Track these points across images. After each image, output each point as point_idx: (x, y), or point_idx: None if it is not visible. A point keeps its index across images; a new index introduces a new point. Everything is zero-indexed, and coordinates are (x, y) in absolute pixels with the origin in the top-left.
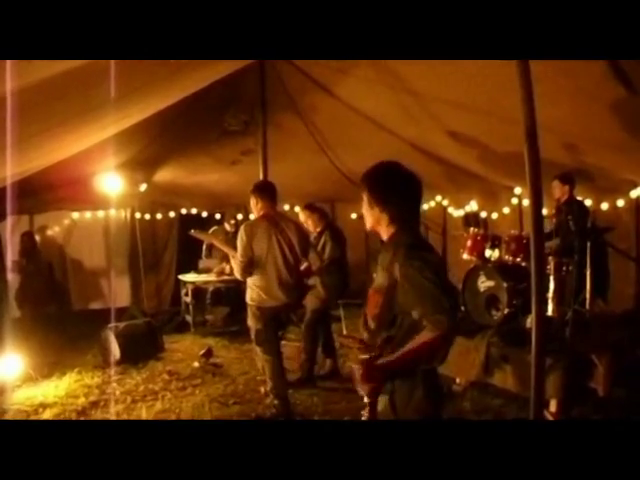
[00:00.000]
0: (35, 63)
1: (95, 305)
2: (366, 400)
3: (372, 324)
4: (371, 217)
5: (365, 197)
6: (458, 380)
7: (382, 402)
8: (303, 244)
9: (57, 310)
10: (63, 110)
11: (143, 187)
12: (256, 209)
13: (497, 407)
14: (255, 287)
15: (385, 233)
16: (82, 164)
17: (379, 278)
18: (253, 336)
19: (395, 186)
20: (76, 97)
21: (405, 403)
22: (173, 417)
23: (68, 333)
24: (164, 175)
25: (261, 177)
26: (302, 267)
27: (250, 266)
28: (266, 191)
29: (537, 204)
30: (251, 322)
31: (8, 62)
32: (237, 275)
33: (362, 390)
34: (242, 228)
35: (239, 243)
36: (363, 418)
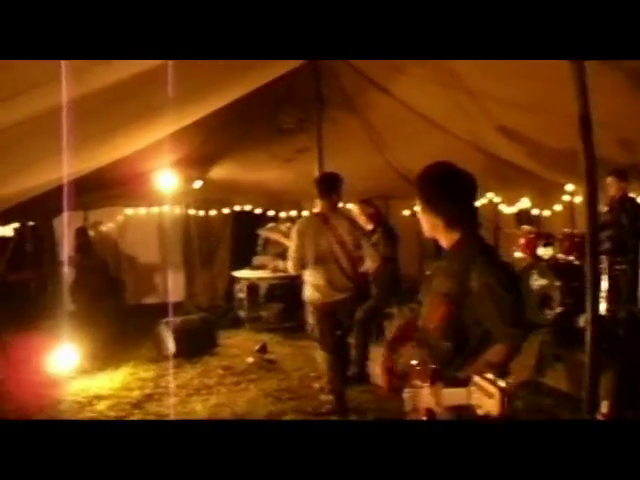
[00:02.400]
0: (98, 68)
1: (149, 300)
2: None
3: (433, 336)
4: (426, 223)
5: (419, 201)
6: (510, 379)
7: None
8: (357, 241)
9: (111, 305)
10: (124, 112)
11: (198, 184)
12: (316, 202)
13: (549, 407)
14: (308, 284)
15: (446, 239)
16: (138, 161)
17: (441, 287)
18: (310, 331)
19: (446, 188)
20: (136, 99)
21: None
22: (228, 411)
23: (122, 327)
24: (219, 172)
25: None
26: (362, 269)
27: (301, 264)
28: (324, 189)
29: (592, 202)
30: (309, 317)
31: (72, 67)
32: (289, 270)
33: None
34: (295, 226)
35: (291, 240)
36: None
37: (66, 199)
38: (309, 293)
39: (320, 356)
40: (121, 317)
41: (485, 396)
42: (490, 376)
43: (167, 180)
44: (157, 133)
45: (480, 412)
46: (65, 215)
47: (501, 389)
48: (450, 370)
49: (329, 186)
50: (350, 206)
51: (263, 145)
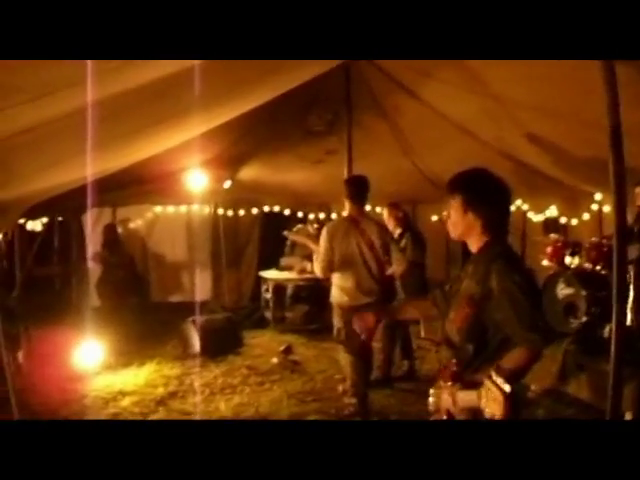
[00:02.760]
0: (130, 68)
1: (175, 298)
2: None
3: (456, 337)
4: (463, 224)
5: (457, 202)
6: (533, 387)
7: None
8: (385, 245)
9: (137, 301)
10: (155, 112)
11: (227, 184)
12: (344, 204)
13: (570, 416)
14: (336, 287)
15: (476, 242)
16: (169, 160)
17: (467, 289)
18: (335, 334)
19: (490, 191)
20: (168, 100)
21: None
22: (252, 411)
23: (147, 324)
24: (248, 172)
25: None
26: (388, 272)
27: (330, 267)
28: (354, 193)
29: (621, 211)
30: (334, 320)
31: (103, 67)
32: (318, 274)
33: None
34: (325, 229)
35: (321, 243)
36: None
37: (93, 196)
38: (337, 296)
39: (344, 359)
40: (146, 314)
41: (491, 399)
42: (498, 379)
43: (197, 179)
44: (187, 134)
45: (487, 414)
46: (90, 212)
47: (504, 393)
48: (469, 372)
49: (359, 189)
50: (379, 210)
51: (292, 146)
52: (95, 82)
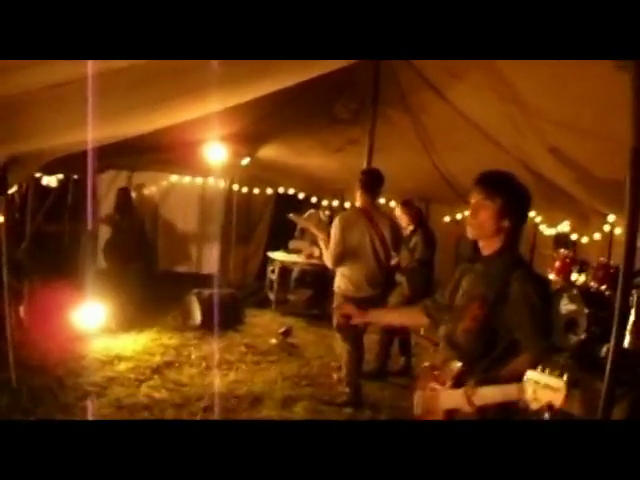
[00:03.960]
0: None
1: (180, 268)
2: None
3: (462, 337)
4: (494, 227)
5: (496, 205)
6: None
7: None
8: (395, 240)
9: (143, 267)
10: (177, 84)
11: (246, 161)
12: (357, 197)
13: None
14: (343, 277)
15: (492, 245)
16: (190, 130)
17: (477, 290)
18: (335, 323)
19: (526, 198)
20: (192, 73)
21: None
22: (245, 389)
23: (151, 291)
24: (267, 152)
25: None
26: (393, 262)
27: (341, 257)
28: (370, 185)
29: (631, 234)
30: (334, 308)
31: None
32: (328, 264)
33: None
34: (337, 219)
35: (332, 234)
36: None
37: (111, 158)
38: (342, 285)
39: (341, 347)
40: (151, 281)
41: (548, 390)
42: (547, 372)
43: (216, 153)
44: (208, 108)
45: (535, 405)
46: (107, 173)
47: (566, 383)
48: (477, 372)
49: (375, 182)
50: (392, 204)
51: (315, 132)
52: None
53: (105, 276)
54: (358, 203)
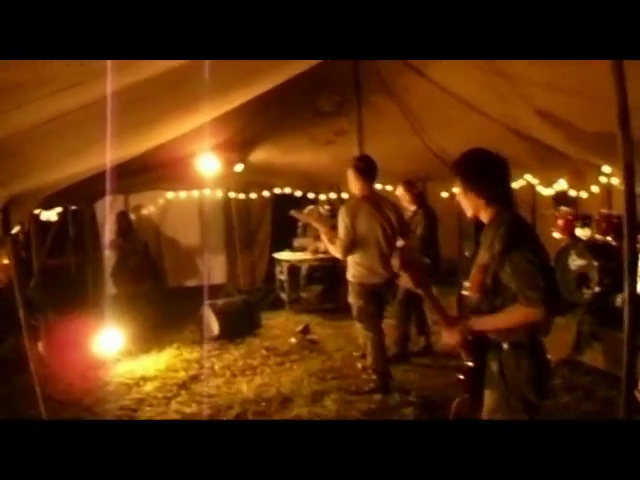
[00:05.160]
0: (138, 64)
1: (190, 282)
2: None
3: (474, 297)
4: (469, 204)
5: (459, 185)
6: (549, 357)
7: (492, 368)
8: (401, 222)
9: (153, 287)
10: (167, 101)
11: (239, 167)
12: (355, 186)
13: (587, 384)
14: (357, 265)
15: (486, 215)
16: (179, 146)
17: (481, 257)
18: (355, 313)
19: (486, 170)
20: (178, 90)
21: (513, 374)
22: (273, 391)
23: (164, 310)
24: (259, 155)
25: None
26: (398, 244)
27: (352, 246)
28: (365, 170)
29: (630, 183)
30: (353, 299)
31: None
32: (338, 255)
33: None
34: (344, 209)
35: (341, 224)
36: (461, 377)
37: (106, 184)
38: (358, 274)
39: (364, 337)
40: (163, 300)
41: None
42: None
43: (208, 164)
44: (198, 120)
45: None
46: (103, 200)
47: None
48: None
49: (370, 167)
50: (389, 188)
51: (302, 128)
52: (113, 74)
53: (117, 301)
54: (358, 191)
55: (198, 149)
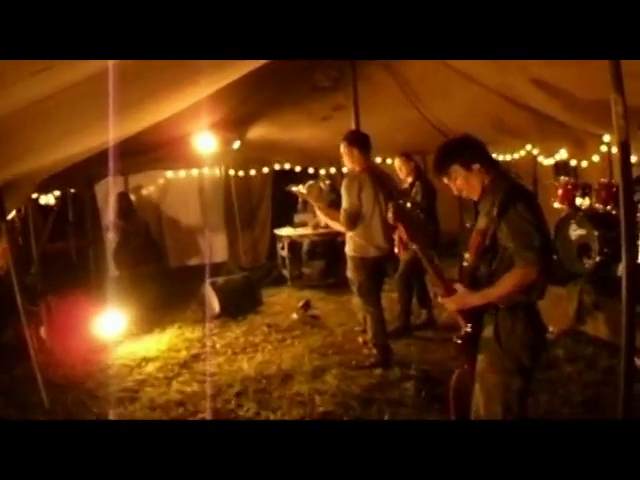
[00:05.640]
0: None
1: (192, 262)
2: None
3: (471, 259)
4: (474, 185)
5: (458, 169)
6: (551, 328)
7: (488, 331)
8: (399, 194)
9: (155, 268)
10: (163, 78)
11: (237, 145)
12: (351, 160)
13: (589, 354)
14: (359, 238)
15: (478, 192)
16: (177, 125)
17: (480, 223)
18: (355, 288)
19: (475, 148)
20: (175, 66)
21: (508, 335)
22: (274, 368)
23: (167, 290)
24: (257, 132)
25: (353, 126)
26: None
27: (357, 217)
28: (362, 143)
29: (625, 152)
30: (353, 274)
31: None
32: (343, 228)
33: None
34: (348, 180)
35: (346, 195)
36: (459, 341)
37: (104, 165)
38: (359, 248)
39: (364, 311)
40: (165, 280)
41: None
42: None
43: (206, 142)
44: (194, 97)
45: None
46: (103, 182)
47: None
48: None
49: (364, 140)
50: (389, 161)
51: (299, 104)
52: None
53: (119, 282)
54: (357, 164)
55: (195, 128)
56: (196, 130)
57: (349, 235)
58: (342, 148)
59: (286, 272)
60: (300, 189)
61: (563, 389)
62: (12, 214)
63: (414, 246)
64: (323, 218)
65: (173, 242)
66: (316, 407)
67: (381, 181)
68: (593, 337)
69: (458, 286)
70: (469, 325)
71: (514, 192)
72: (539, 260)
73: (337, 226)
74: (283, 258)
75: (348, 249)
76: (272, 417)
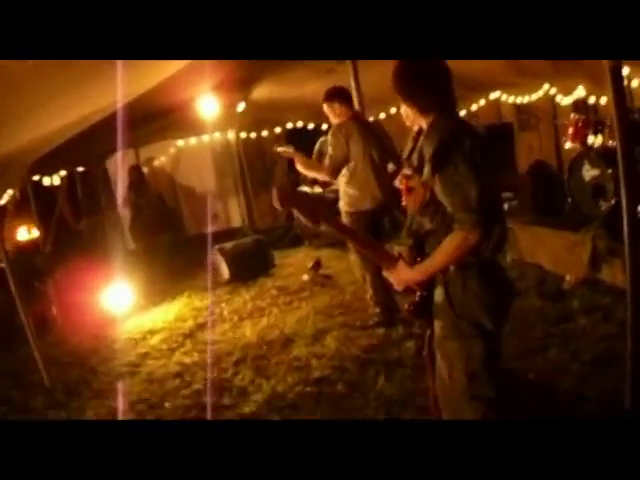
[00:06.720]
0: None
1: (211, 228)
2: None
3: (412, 214)
4: (404, 113)
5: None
6: (568, 277)
7: (438, 294)
8: (390, 146)
9: (171, 238)
10: None
11: (241, 106)
12: (334, 115)
13: (606, 305)
14: (353, 189)
15: (424, 124)
16: (178, 88)
17: (425, 172)
18: (351, 245)
19: (419, 77)
20: None
21: (460, 295)
22: (276, 333)
23: (182, 259)
24: (261, 92)
25: (352, 84)
26: (389, 168)
27: (342, 164)
28: (339, 95)
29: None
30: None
31: None
32: (325, 176)
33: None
34: (334, 129)
35: (333, 142)
36: (410, 308)
37: (112, 138)
38: (351, 200)
39: (363, 268)
40: (182, 249)
41: None
42: None
43: (210, 105)
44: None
45: None
46: (113, 157)
47: None
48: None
49: (344, 93)
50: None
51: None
52: None
53: (135, 255)
54: (342, 117)
55: (198, 92)
56: (199, 94)
57: (342, 189)
58: (324, 108)
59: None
60: (285, 149)
61: (575, 344)
62: (5, 199)
63: (322, 227)
64: (303, 170)
65: (189, 210)
66: (311, 372)
67: (370, 129)
68: (611, 285)
69: (399, 260)
70: (422, 289)
71: (452, 138)
72: (478, 222)
73: (320, 176)
74: (299, 217)
75: (342, 204)
76: (265, 384)
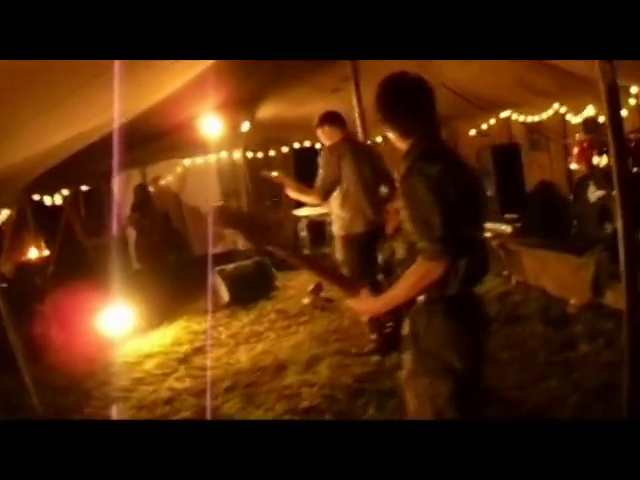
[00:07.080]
0: None
1: (216, 249)
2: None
3: (391, 243)
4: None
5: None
6: (572, 301)
7: (405, 328)
8: (384, 169)
9: (176, 259)
10: None
11: (246, 126)
12: (326, 138)
13: (609, 331)
14: (345, 212)
15: (405, 148)
16: (182, 107)
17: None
18: (345, 269)
19: (392, 101)
20: None
21: (424, 332)
22: (271, 359)
23: (186, 280)
24: (266, 111)
25: (355, 103)
26: (382, 191)
27: (333, 187)
28: (330, 119)
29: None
30: (341, 254)
31: None
32: (315, 199)
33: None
34: (325, 151)
35: (324, 163)
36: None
37: (117, 157)
38: (344, 223)
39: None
40: (188, 271)
41: None
42: None
43: (212, 125)
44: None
45: None
46: (119, 176)
47: None
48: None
49: (335, 116)
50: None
51: (303, 78)
52: None
53: (139, 276)
54: (333, 139)
55: (201, 110)
56: (202, 113)
57: (336, 212)
58: (317, 133)
59: (307, 252)
60: (274, 174)
61: (577, 372)
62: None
63: (270, 248)
64: (293, 195)
65: (195, 230)
66: (301, 401)
67: (362, 150)
68: (615, 310)
69: (361, 289)
70: (388, 319)
71: (421, 162)
72: (441, 252)
73: (310, 200)
74: (303, 238)
75: (335, 228)
76: (255, 413)
